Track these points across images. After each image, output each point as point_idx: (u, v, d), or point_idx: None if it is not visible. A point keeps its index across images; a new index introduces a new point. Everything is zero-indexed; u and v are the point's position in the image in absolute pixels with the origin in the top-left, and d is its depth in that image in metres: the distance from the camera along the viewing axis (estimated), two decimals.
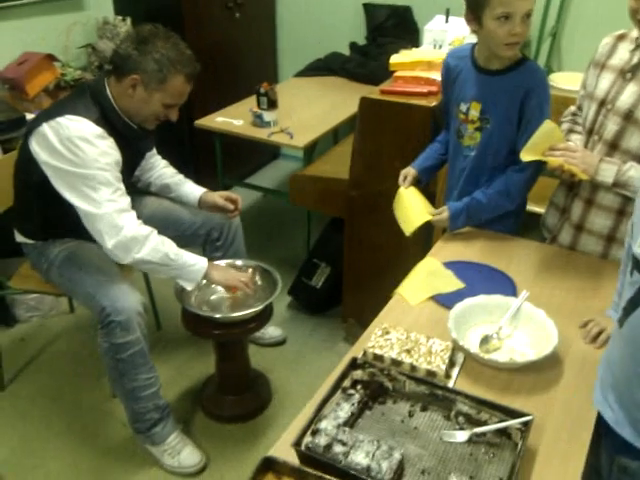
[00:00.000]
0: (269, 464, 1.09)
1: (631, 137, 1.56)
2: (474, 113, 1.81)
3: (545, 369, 1.34)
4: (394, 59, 2.31)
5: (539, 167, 1.76)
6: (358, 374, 1.28)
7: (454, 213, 1.85)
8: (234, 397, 2.31)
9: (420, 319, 1.52)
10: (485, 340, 1.40)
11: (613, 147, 1.61)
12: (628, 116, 1.56)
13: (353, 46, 3.63)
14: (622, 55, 1.61)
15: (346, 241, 2.53)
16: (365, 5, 3.58)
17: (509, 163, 1.80)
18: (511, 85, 1.72)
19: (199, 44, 3.38)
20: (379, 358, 1.34)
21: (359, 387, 1.27)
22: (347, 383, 1.27)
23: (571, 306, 1.55)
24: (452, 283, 1.63)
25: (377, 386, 1.28)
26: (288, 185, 2.75)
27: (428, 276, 1.67)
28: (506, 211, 1.85)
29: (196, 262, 1.91)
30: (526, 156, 1.61)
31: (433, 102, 2.13)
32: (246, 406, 2.31)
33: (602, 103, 1.63)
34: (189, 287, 1.94)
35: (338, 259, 2.62)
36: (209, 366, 2.37)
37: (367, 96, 2.22)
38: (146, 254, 1.82)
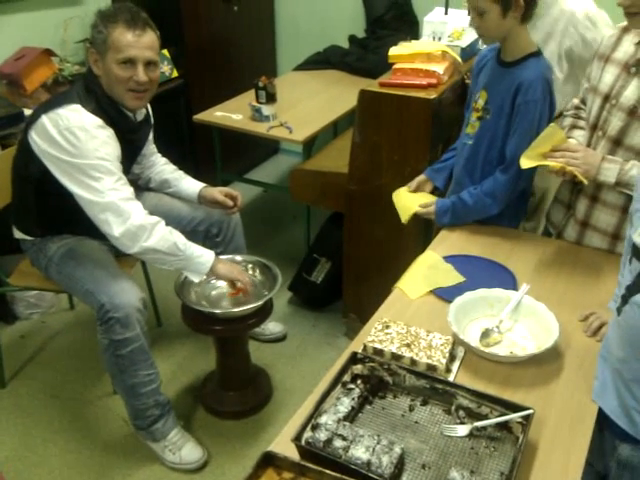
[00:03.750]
0: (269, 459, 1.08)
1: (635, 133, 1.53)
2: (480, 102, 1.80)
3: (546, 362, 1.34)
4: (393, 51, 2.29)
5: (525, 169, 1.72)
6: (358, 368, 1.28)
7: (440, 209, 1.86)
8: (235, 393, 2.31)
9: (420, 313, 1.51)
10: (485, 334, 1.39)
11: (616, 143, 1.57)
12: (632, 112, 1.52)
13: (352, 39, 3.61)
14: (627, 48, 1.57)
15: (346, 236, 2.52)
16: None
17: (500, 161, 1.79)
18: (510, 79, 1.70)
19: (198, 38, 3.39)
20: (379, 352, 1.33)
21: (359, 382, 1.27)
22: (347, 378, 1.26)
23: (572, 299, 1.54)
24: (452, 277, 1.62)
25: (377, 380, 1.28)
26: (288, 180, 2.74)
27: (428, 270, 1.66)
28: (491, 214, 1.82)
29: (203, 254, 1.91)
30: (525, 162, 1.57)
31: (433, 94, 2.12)
32: (247, 402, 2.30)
33: (606, 98, 1.60)
34: (195, 279, 1.94)
35: (338, 254, 2.61)
36: (210, 362, 2.37)
37: (366, 89, 2.21)
38: (155, 242, 1.81)
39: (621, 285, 1.17)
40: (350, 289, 2.62)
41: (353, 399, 1.22)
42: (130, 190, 1.83)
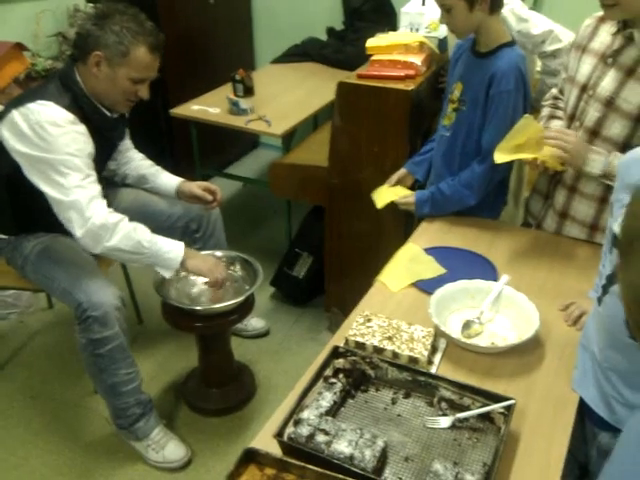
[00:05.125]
0: (251, 456, 1.08)
1: (612, 125, 1.53)
2: (456, 93, 1.80)
3: (527, 353, 1.34)
4: (370, 43, 2.28)
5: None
6: (340, 362, 1.27)
7: (419, 201, 1.87)
8: (218, 390, 2.29)
9: (402, 306, 1.51)
10: (467, 325, 1.39)
11: (594, 134, 1.58)
12: (609, 103, 1.52)
13: (330, 31, 3.59)
14: (603, 39, 1.57)
15: (327, 230, 2.50)
16: None
17: (478, 152, 1.79)
18: (484, 69, 1.70)
19: (173, 32, 3.34)
20: (361, 346, 1.33)
21: (341, 376, 1.26)
22: (329, 372, 1.26)
23: (553, 289, 1.54)
24: (433, 269, 1.62)
25: (359, 374, 1.27)
26: (267, 174, 2.71)
27: (409, 262, 1.65)
28: (469, 205, 1.83)
29: (171, 249, 1.86)
30: (499, 157, 1.57)
31: (411, 86, 2.11)
32: (230, 399, 2.29)
33: (583, 88, 1.59)
34: (167, 275, 1.90)
35: (320, 248, 2.60)
36: (192, 359, 2.34)
37: (344, 81, 2.19)
38: (117, 242, 1.78)
39: (602, 275, 1.17)
40: (332, 283, 2.62)
41: (335, 393, 1.21)
42: (97, 189, 1.80)
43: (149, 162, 2.29)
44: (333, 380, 1.24)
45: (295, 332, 2.71)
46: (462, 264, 1.63)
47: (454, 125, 1.82)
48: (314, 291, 2.82)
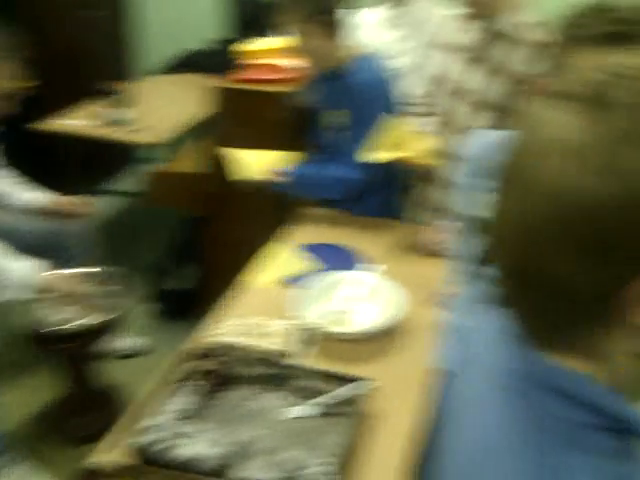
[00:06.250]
0: (96, 472, 0.97)
1: (479, 122, 1.56)
2: (343, 119, 1.77)
3: (393, 337, 1.34)
4: (243, 48, 2.26)
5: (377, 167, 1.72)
6: (198, 364, 1.20)
7: (295, 180, 1.80)
8: (84, 417, 2.09)
9: (269, 302, 1.46)
10: (334, 315, 1.37)
11: (461, 132, 1.60)
12: (476, 99, 1.57)
13: (211, 41, 3.54)
14: (463, 36, 1.61)
15: (207, 239, 2.42)
16: None
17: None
18: (345, 88, 1.71)
19: (42, 46, 3.14)
20: (220, 345, 1.26)
21: (200, 377, 1.18)
22: (186, 375, 1.18)
23: (424, 278, 1.53)
24: (303, 264, 1.59)
25: (219, 373, 1.20)
26: (147, 185, 2.59)
27: (277, 259, 1.61)
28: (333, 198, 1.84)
29: (18, 268, 1.70)
30: (373, 156, 1.60)
31: (285, 88, 2.10)
32: (96, 425, 2.07)
33: (439, 82, 1.64)
34: (17, 295, 1.71)
35: (201, 259, 2.49)
36: (59, 387, 2.14)
37: (219, 86, 2.19)
38: None
39: (470, 260, 1.16)
40: (213, 292, 2.49)
41: (193, 395, 1.14)
42: None
43: (14, 179, 2.12)
44: (190, 382, 1.16)
45: (174, 348, 2.54)
46: (333, 258, 1.61)
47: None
48: (196, 303, 2.68)
